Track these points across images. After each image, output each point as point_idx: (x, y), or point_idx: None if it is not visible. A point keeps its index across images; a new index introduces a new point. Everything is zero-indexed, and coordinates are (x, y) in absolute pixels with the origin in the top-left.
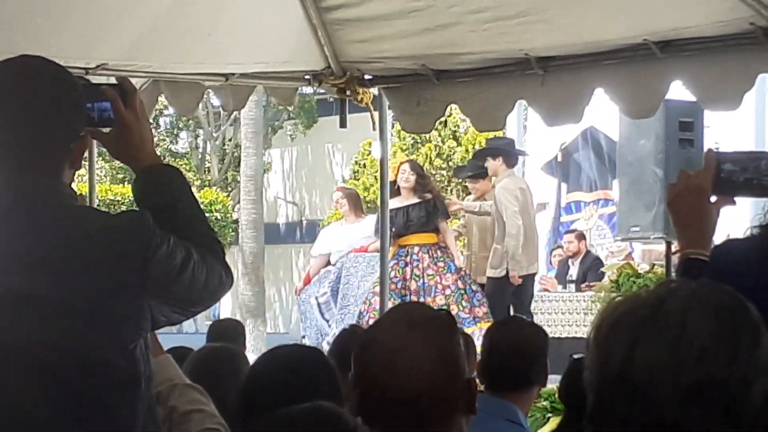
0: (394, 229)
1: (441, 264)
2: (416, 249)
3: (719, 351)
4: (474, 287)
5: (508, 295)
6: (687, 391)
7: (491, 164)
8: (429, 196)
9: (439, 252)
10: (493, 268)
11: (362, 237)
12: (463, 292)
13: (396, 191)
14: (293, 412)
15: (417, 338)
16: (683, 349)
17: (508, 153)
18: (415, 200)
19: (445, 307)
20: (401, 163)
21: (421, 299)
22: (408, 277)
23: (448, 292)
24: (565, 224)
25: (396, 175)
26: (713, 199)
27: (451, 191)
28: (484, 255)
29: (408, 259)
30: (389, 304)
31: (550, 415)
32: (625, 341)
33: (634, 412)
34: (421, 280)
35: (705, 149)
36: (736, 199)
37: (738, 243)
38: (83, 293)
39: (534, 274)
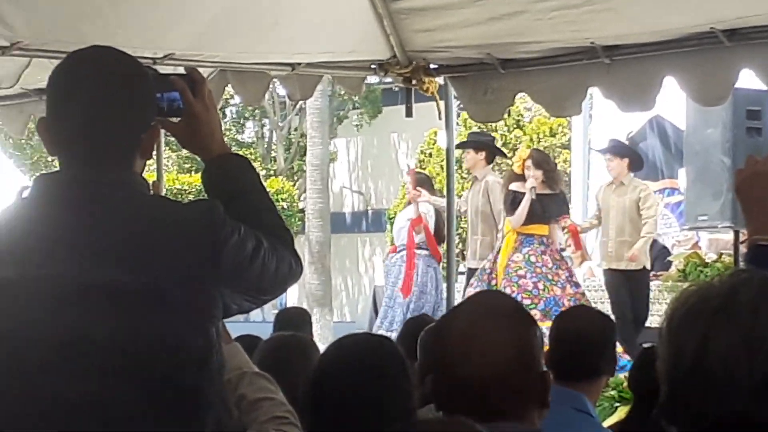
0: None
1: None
2: (546, 239)
3: None
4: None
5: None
6: (761, 382)
7: (473, 157)
8: (558, 190)
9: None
10: (482, 258)
11: None
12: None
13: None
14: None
15: (493, 326)
16: (756, 340)
17: (493, 148)
18: (548, 191)
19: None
20: (524, 160)
21: (572, 290)
22: (549, 265)
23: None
24: None
25: (522, 168)
26: None
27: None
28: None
29: (543, 248)
30: (540, 286)
31: (617, 404)
32: (698, 332)
33: (708, 403)
34: (566, 272)
35: None
36: None
37: None
38: (158, 283)
39: None
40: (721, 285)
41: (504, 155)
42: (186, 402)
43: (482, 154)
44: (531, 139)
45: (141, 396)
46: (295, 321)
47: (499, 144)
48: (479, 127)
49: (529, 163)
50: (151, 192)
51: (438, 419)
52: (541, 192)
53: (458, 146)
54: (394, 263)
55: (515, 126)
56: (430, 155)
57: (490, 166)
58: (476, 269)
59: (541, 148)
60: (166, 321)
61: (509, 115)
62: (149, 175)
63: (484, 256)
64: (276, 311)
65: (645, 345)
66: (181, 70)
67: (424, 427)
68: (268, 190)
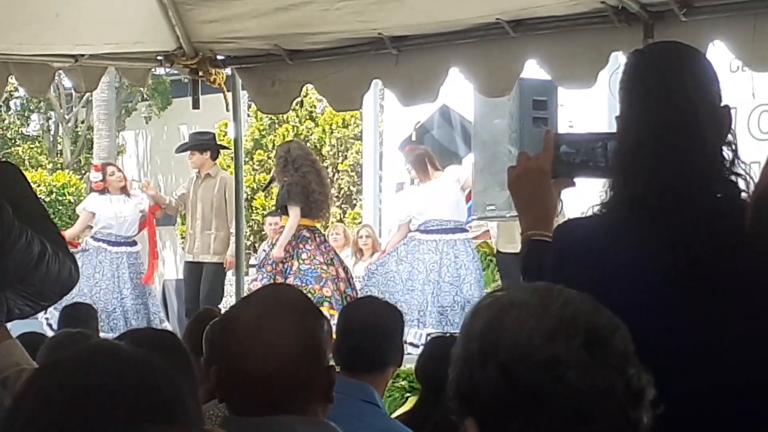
0: None
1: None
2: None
3: None
4: None
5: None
6: None
7: (198, 158)
8: (286, 179)
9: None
10: (217, 254)
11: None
12: None
13: None
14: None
15: (279, 318)
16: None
17: (215, 147)
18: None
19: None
20: None
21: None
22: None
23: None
24: None
25: None
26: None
27: None
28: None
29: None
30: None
31: (408, 394)
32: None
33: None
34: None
35: (559, 127)
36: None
37: (580, 222)
38: None
39: None
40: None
41: (227, 149)
42: None
43: (207, 154)
44: (323, 131)
45: None
46: (81, 317)
47: (290, 136)
48: (272, 118)
49: None
50: None
51: None
52: None
53: (180, 150)
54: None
55: (307, 117)
56: None
57: (216, 162)
58: (204, 263)
59: (334, 140)
60: None
61: (302, 106)
62: None
63: (219, 251)
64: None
65: (432, 334)
66: None
67: None
68: (54, 183)
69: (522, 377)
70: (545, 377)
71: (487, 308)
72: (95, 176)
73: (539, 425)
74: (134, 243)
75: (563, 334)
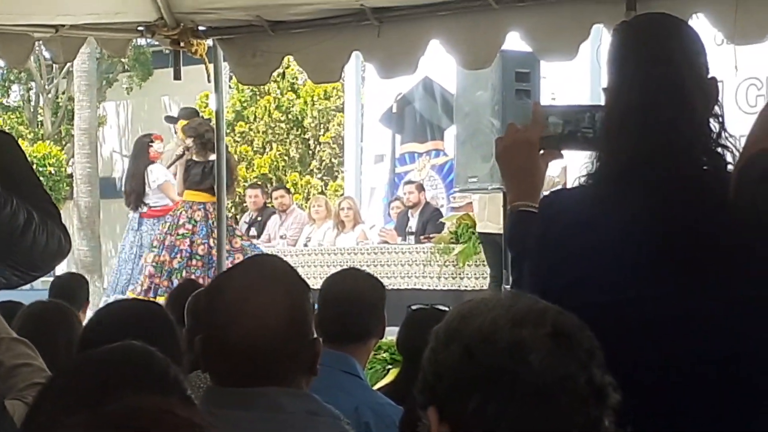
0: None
1: (192, 226)
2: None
3: None
4: None
5: None
6: None
7: None
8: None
9: (200, 213)
10: None
11: None
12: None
13: None
14: (103, 351)
15: (267, 290)
16: None
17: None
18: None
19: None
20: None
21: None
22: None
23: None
24: (399, 175)
25: None
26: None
27: (290, 143)
28: None
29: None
30: None
31: (390, 366)
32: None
33: None
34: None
35: (542, 100)
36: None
37: (567, 192)
38: None
39: None
40: None
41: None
42: None
43: None
44: (305, 103)
45: None
46: (72, 286)
47: (272, 108)
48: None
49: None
50: None
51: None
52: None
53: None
54: None
55: (289, 89)
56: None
57: None
58: None
59: (315, 112)
60: None
61: (283, 78)
62: None
63: None
64: (50, 279)
65: (413, 307)
66: None
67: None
68: (35, 154)
69: (484, 358)
70: (507, 359)
71: (458, 307)
72: (160, 146)
73: (497, 402)
74: None
75: (530, 323)
